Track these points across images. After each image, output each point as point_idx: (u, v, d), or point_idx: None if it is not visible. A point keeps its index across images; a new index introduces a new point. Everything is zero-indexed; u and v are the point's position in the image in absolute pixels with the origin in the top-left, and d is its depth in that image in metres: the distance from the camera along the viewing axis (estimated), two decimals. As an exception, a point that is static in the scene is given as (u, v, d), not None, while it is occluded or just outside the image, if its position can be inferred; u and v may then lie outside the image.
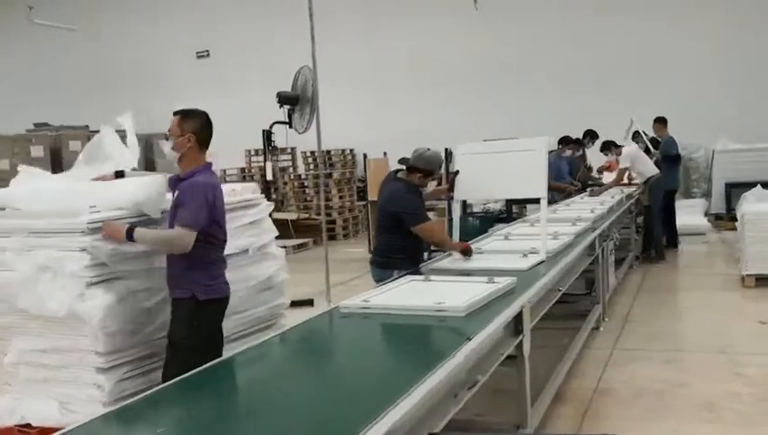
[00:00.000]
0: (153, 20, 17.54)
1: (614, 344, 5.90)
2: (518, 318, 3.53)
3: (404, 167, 5.01)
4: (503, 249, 4.91)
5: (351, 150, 16.03)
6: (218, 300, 3.81)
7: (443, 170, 7.96)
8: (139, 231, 3.65)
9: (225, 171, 14.71)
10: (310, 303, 7.46)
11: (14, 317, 3.88)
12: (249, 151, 14.82)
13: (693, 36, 13.56)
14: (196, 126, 3.76)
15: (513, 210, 12.69)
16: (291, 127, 7.72)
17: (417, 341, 3.21)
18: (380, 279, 4.69)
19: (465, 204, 14.07)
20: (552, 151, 10.73)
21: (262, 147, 10.63)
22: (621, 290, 7.84)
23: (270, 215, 4.98)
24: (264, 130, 7.58)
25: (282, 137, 9.10)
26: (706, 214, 12.49)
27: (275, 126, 8.21)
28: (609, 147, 11.40)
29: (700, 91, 13.18)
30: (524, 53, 14.71)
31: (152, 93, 17.31)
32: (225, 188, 4.31)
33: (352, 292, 3.94)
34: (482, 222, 11.10)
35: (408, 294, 3.59)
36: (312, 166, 15.74)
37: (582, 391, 4.87)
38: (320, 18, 14.58)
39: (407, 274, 4.21)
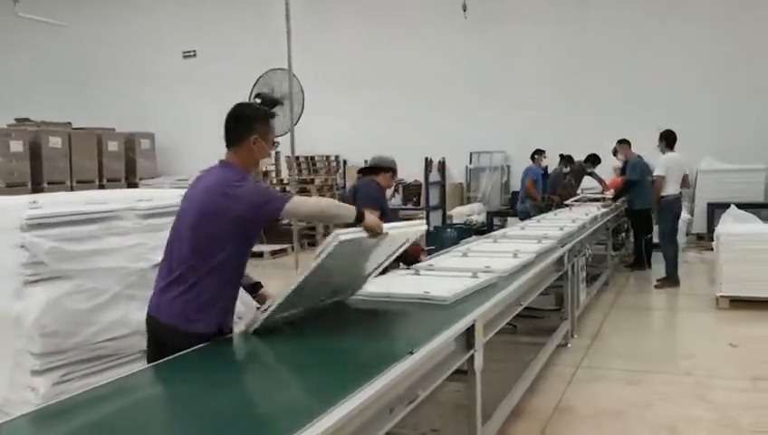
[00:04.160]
0: (140, 18, 17.42)
1: (580, 362, 5.79)
2: (470, 332, 3.43)
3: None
4: (455, 267, 4.64)
5: (336, 157, 15.93)
6: None
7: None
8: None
9: (206, 173, 14.54)
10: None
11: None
12: (231, 154, 14.65)
13: (678, 55, 13.52)
14: None
15: (494, 223, 12.68)
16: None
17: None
18: None
19: (445, 214, 14.07)
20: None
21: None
22: (594, 307, 7.74)
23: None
24: (237, 132, 7.45)
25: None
26: (688, 233, 12.43)
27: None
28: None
29: (685, 111, 13.12)
30: (511, 64, 14.65)
31: (137, 92, 17.19)
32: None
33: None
34: (459, 234, 11.03)
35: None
36: (296, 171, 15.62)
37: (542, 408, 4.76)
38: (309, 25, 14.67)
39: None
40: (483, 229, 11.94)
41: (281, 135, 7.91)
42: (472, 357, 3.46)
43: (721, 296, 7.52)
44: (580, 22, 14.22)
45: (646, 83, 13.67)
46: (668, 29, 13.62)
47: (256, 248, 11.87)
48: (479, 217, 13.56)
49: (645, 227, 9.75)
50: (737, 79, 13.22)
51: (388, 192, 5.50)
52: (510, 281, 4.29)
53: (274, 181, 14.70)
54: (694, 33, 13.41)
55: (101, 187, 14.56)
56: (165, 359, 2.73)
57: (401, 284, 4.03)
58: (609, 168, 12.30)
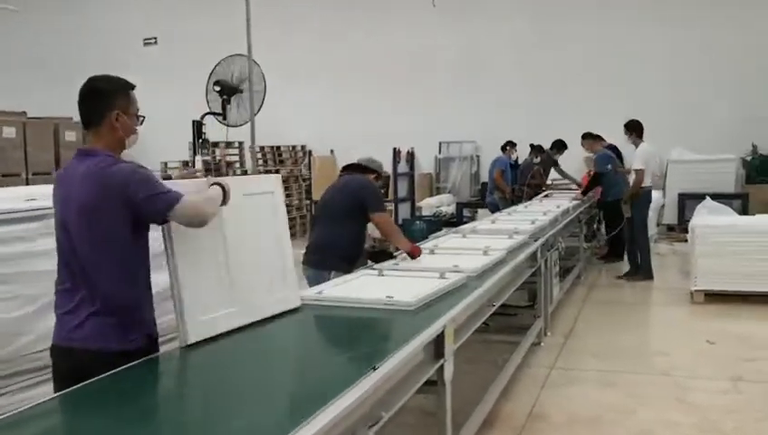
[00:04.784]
0: (100, 4, 16.88)
1: (554, 363, 5.55)
2: (439, 340, 3.15)
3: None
4: (422, 266, 4.39)
5: (303, 147, 15.56)
6: None
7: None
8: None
9: (166, 164, 14.11)
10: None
11: None
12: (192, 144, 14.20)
13: (649, 45, 13.41)
14: None
15: (463, 214, 12.44)
16: (224, 119, 7.23)
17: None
18: (315, 281, 4.47)
19: (413, 206, 13.80)
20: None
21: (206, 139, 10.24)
22: (567, 301, 7.53)
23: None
24: (194, 122, 7.06)
25: (221, 129, 8.64)
26: (659, 224, 12.32)
27: (214, 119, 7.77)
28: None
29: (656, 101, 13.01)
30: (482, 54, 14.41)
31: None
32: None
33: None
34: (429, 226, 10.77)
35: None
36: (261, 161, 15.26)
37: (516, 415, 4.50)
38: (275, 12, 14.25)
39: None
40: (452, 221, 11.71)
41: (241, 124, 7.55)
42: (441, 367, 3.19)
43: (696, 290, 7.34)
44: (551, 13, 14.02)
45: (617, 74, 13.53)
46: (640, 21, 13.49)
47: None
48: (449, 209, 13.31)
49: (617, 219, 9.55)
50: (708, 70, 13.14)
51: None
52: (480, 281, 4.03)
53: (238, 173, 14.27)
54: (666, 26, 13.30)
55: (59, 178, 14.02)
56: (78, 385, 2.34)
57: (363, 287, 3.72)
58: (579, 156, 12.09)
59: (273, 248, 3.21)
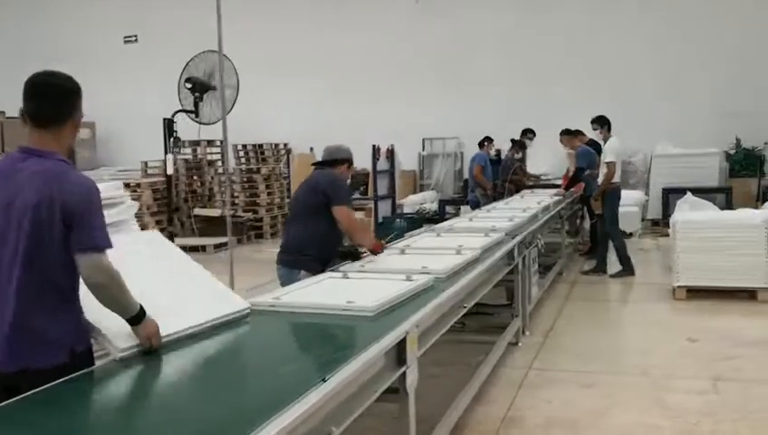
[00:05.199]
0: (80, 2, 16.65)
1: (531, 363, 5.42)
2: (401, 346, 3.00)
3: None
4: (389, 268, 4.21)
5: (285, 145, 15.40)
6: None
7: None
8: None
9: (146, 163, 13.90)
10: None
11: None
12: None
13: (632, 38, 13.33)
14: None
15: (446, 211, 12.33)
16: (197, 117, 7.06)
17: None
18: (288, 280, 4.36)
19: (394, 204, 13.67)
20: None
21: (189, 138, 10.08)
22: (548, 299, 7.40)
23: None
24: (165, 119, 6.87)
25: (201, 128, 8.46)
26: (643, 219, 12.23)
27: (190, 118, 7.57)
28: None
29: (640, 94, 12.93)
30: (464, 50, 14.30)
31: (77, 79, 16.37)
32: None
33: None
34: (410, 223, 10.63)
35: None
36: (242, 160, 15.10)
37: (489, 419, 4.37)
38: (256, 8, 14.09)
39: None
40: (435, 218, 11.59)
41: (214, 122, 7.36)
42: (403, 374, 3.04)
43: (678, 287, 7.24)
44: (535, 8, 13.91)
45: (600, 69, 13.46)
46: (624, 15, 13.40)
47: (197, 242, 11.32)
48: (432, 206, 13.20)
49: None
50: (692, 64, 13.07)
51: None
52: (449, 283, 3.87)
53: (220, 171, 14.08)
54: (649, 19, 13.24)
55: (37, 179, 13.82)
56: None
57: (323, 292, 3.56)
58: (563, 152, 11.99)
59: (179, 270, 3.25)
